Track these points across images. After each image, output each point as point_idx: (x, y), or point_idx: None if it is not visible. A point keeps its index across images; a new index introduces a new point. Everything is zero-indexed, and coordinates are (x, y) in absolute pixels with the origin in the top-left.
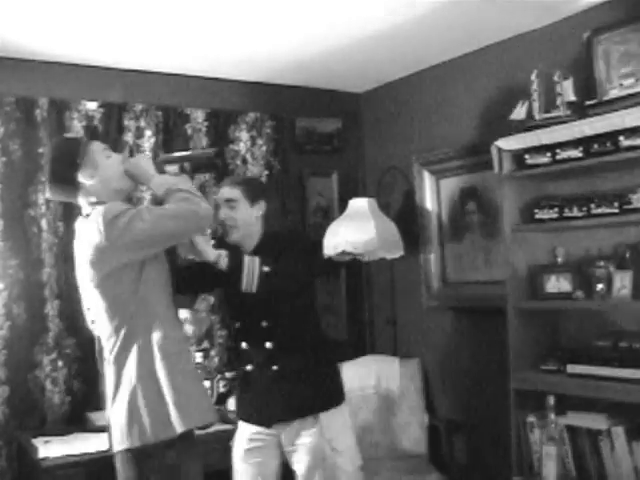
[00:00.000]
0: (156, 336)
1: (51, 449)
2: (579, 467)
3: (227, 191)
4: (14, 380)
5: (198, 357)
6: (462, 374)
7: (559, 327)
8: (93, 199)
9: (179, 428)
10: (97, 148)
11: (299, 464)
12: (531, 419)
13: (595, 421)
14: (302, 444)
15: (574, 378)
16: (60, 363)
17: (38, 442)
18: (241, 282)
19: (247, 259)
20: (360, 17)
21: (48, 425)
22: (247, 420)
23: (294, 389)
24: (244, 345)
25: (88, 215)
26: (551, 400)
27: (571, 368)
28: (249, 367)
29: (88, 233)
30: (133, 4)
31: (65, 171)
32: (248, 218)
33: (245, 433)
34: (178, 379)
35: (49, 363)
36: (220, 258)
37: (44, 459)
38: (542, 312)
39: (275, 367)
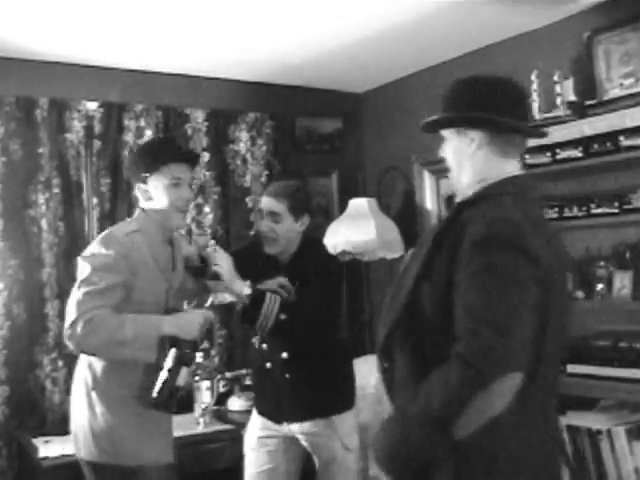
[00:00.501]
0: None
1: (51, 449)
2: (579, 467)
3: (273, 204)
4: (14, 380)
5: (198, 357)
6: None
7: None
8: (145, 206)
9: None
10: (171, 172)
11: (314, 459)
12: None
13: (595, 421)
14: (315, 441)
15: (574, 378)
16: (60, 363)
17: (38, 442)
18: (256, 320)
19: (269, 298)
20: (360, 17)
21: (48, 425)
22: (260, 413)
23: (308, 394)
24: (265, 346)
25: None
26: None
27: (571, 368)
28: (268, 365)
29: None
30: (133, 4)
31: (134, 171)
32: (290, 232)
33: (258, 422)
34: (133, 417)
35: (49, 363)
36: (244, 288)
37: (44, 459)
38: None
39: (288, 375)
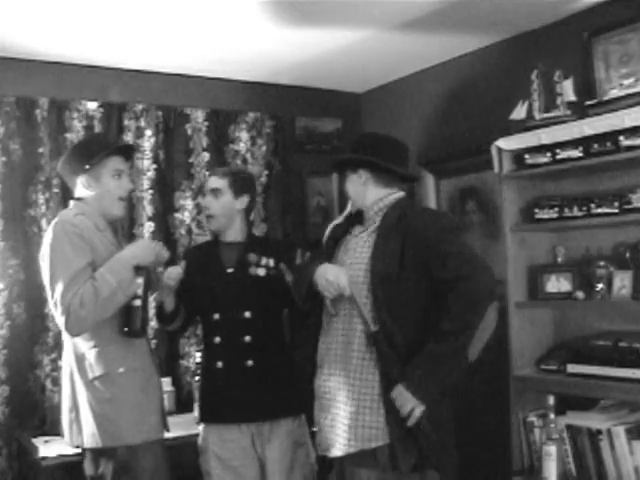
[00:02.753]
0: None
1: (51, 449)
2: (579, 467)
3: (214, 180)
4: (14, 380)
5: (197, 357)
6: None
7: (559, 327)
8: (82, 195)
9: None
10: (112, 165)
11: (275, 464)
12: (531, 419)
13: (595, 421)
14: (280, 444)
15: (574, 378)
16: (60, 363)
17: (38, 442)
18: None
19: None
20: (360, 17)
21: (48, 425)
22: (219, 420)
23: (272, 387)
24: (217, 340)
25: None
26: (551, 400)
27: (571, 368)
28: (220, 364)
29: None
30: (133, 4)
31: (73, 164)
32: (229, 209)
33: (214, 436)
34: (119, 398)
35: (49, 363)
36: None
37: (44, 459)
38: (542, 312)
39: (250, 362)
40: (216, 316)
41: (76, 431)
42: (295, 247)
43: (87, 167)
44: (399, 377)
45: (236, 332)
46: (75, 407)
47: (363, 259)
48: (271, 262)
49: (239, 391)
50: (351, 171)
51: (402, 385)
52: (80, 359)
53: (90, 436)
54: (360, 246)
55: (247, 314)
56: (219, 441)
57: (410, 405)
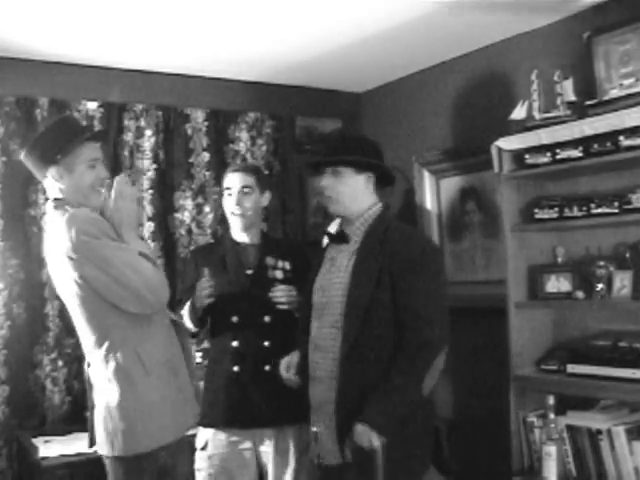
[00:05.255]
0: (136, 350)
1: (51, 449)
2: (579, 467)
3: (242, 177)
4: (14, 380)
5: (198, 357)
6: (462, 374)
7: (559, 327)
8: (59, 195)
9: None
10: (86, 154)
11: (279, 471)
12: (531, 419)
13: (595, 421)
14: (285, 451)
15: (574, 378)
16: (60, 363)
17: (38, 442)
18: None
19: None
20: (360, 17)
21: (48, 425)
22: (230, 425)
23: (285, 393)
24: (235, 344)
25: (55, 208)
26: (551, 400)
27: (571, 368)
28: (236, 368)
29: (57, 238)
30: (133, 4)
31: (42, 154)
32: (257, 207)
33: (218, 439)
34: (154, 396)
35: (49, 363)
36: None
37: (44, 459)
38: (542, 312)
39: (268, 367)
40: (234, 319)
41: (130, 435)
42: (305, 249)
43: (59, 157)
44: (359, 417)
45: (255, 336)
46: (136, 409)
47: (341, 283)
48: (287, 265)
49: (256, 396)
50: (355, 172)
51: (361, 425)
52: (132, 355)
53: (148, 437)
54: (342, 264)
55: (267, 318)
56: (223, 444)
57: (369, 440)
